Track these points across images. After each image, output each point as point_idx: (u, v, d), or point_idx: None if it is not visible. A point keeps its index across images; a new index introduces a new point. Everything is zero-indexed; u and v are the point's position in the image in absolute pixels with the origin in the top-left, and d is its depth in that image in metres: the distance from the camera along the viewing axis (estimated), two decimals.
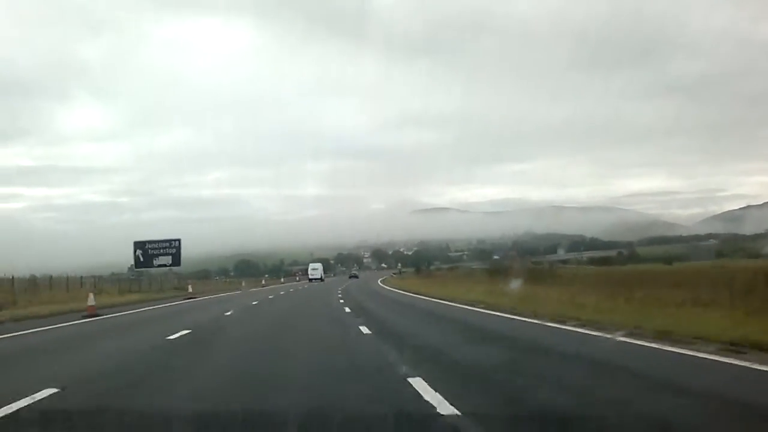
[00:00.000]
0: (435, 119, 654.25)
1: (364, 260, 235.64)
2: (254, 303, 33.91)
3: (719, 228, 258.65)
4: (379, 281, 77.18)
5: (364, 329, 16.05)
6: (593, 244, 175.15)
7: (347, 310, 25.15)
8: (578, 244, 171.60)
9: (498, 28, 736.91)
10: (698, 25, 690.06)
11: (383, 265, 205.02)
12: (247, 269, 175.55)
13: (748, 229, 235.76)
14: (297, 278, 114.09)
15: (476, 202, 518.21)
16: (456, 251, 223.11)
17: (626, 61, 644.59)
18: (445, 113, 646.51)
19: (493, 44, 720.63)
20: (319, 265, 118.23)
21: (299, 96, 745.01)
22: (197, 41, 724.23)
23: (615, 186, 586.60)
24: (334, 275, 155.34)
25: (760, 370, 8.46)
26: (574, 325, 15.08)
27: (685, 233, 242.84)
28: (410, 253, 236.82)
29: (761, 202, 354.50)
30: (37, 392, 7.73)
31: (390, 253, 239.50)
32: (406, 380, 8.08)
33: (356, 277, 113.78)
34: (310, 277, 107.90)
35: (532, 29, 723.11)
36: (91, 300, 26.57)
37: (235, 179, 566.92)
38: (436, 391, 7.16)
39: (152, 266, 60.83)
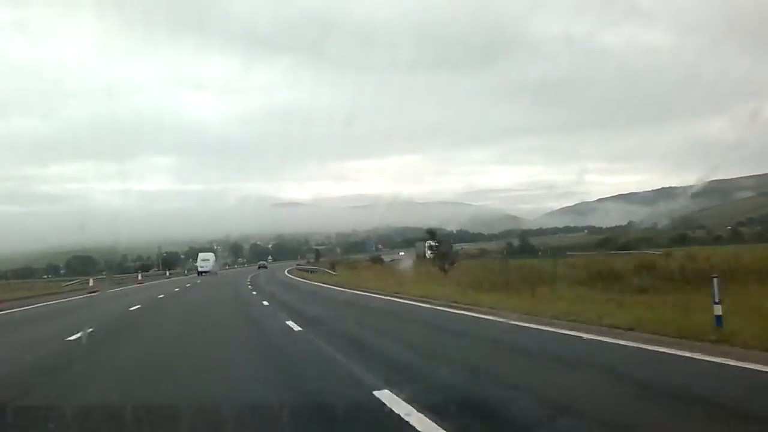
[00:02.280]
0: (292, 115, 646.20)
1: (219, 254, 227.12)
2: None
3: (557, 222, 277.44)
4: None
5: None
6: (461, 236, 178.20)
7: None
8: (447, 236, 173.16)
9: (350, 27, 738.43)
10: (539, 30, 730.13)
11: (240, 259, 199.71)
12: (81, 267, 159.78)
13: (590, 221, 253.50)
14: (185, 273, 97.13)
15: (336, 196, 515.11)
16: (316, 245, 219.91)
17: (474, 63, 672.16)
18: (301, 109, 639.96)
19: (344, 43, 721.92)
20: (210, 255, 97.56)
21: (151, 88, 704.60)
22: (40, 28, 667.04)
23: (465, 182, 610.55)
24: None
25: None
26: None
27: (529, 227, 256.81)
28: (270, 246, 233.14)
29: (594, 199, 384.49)
30: None
31: (247, 247, 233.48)
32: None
33: (265, 267, 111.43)
34: (200, 269, 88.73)
35: (385, 29, 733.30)
36: None
37: (79, 172, 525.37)
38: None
39: None
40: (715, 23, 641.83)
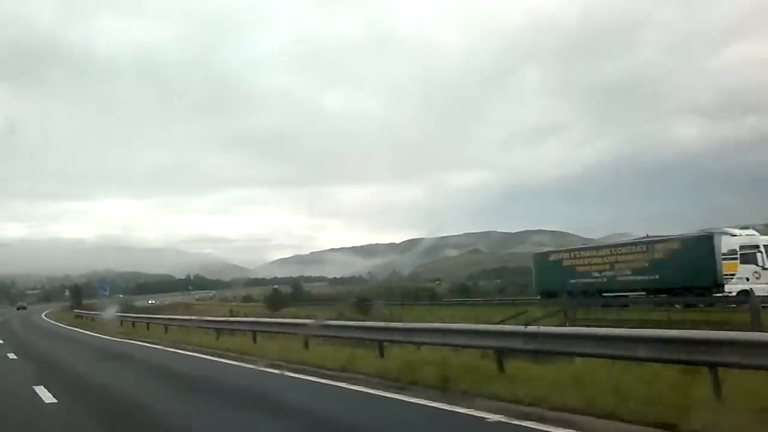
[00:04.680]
0: None
1: None
2: None
3: (274, 272, 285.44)
4: None
5: None
6: (199, 282, 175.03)
7: None
8: (185, 282, 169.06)
9: (73, 62, 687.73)
10: (266, 84, 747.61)
11: None
12: None
13: (315, 271, 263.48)
14: None
15: (48, 239, 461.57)
16: (30, 289, 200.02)
17: (201, 111, 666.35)
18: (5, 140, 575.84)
19: (69, 78, 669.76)
20: None
21: None
22: None
23: (179, 230, 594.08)
24: None
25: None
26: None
27: (255, 275, 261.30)
28: None
29: (308, 252, 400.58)
30: None
31: None
32: None
33: (24, 308, 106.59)
34: None
35: (117, 68, 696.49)
36: None
37: None
38: None
39: None
40: (419, 95, 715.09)
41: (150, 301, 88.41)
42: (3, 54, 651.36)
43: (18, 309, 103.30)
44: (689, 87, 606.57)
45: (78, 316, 53.83)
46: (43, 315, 69.79)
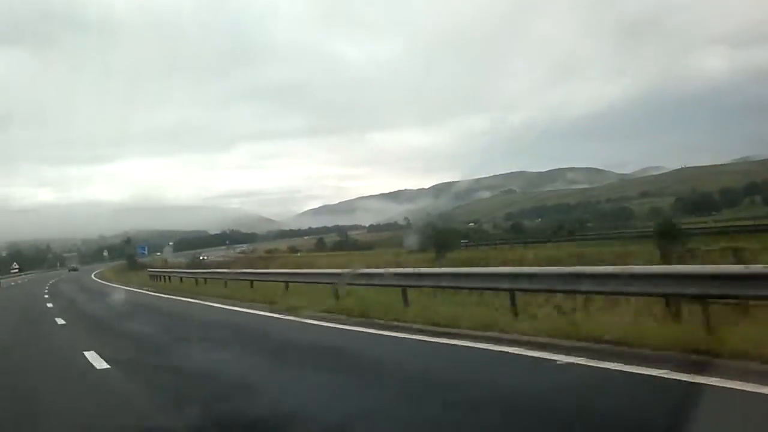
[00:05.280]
0: (23, 115, 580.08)
1: None
2: None
3: (307, 223, 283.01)
4: None
5: None
6: (234, 236, 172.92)
7: None
8: (221, 237, 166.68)
9: (93, 24, 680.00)
10: (287, 36, 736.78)
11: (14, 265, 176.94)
12: None
13: (348, 220, 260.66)
14: None
15: (79, 202, 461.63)
16: (66, 252, 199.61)
17: (221, 68, 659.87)
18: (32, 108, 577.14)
19: (91, 41, 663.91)
20: None
21: None
22: None
23: (208, 186, 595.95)
24: None
25: None
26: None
27: (285, 227, 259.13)
28: (3, 254, 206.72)
29: (336, 202, 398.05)
30: None
31: None
32: None
33: (75, 269, 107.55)
34: None
35: (136, 27, 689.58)
36: None
37: None
38: None
39: None
40: (440, 39, 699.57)
41: (202, 257, 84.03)
42: (26, 20, 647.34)
43: (69, 271, 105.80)
44: (717, 16, 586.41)
45: (154, 276, 41.35)
46: (93, 276, 66.40)
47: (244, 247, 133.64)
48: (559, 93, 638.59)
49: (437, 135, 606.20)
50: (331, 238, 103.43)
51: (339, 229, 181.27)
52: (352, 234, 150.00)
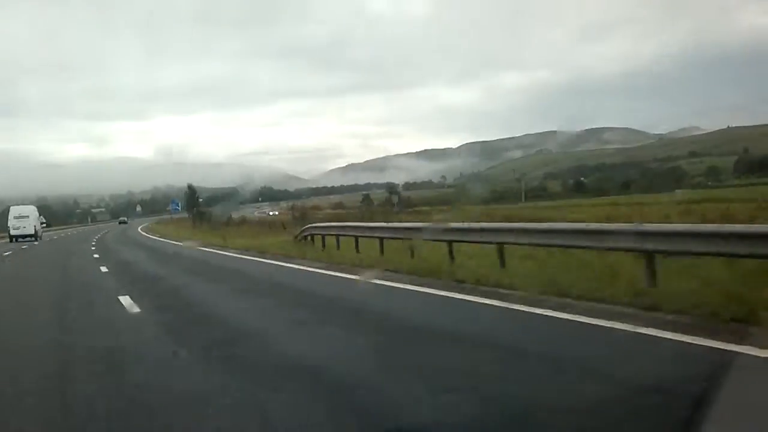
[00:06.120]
0: (50, 68, 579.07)
1: None
2: None
3: (335, 181, 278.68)
4: None
5: None
6: (267, 193, 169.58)
7: None
8: (254, 194, 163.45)
9: None
10: None
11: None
12: None
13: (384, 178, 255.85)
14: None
15: (104, 159, 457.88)
16: (95, 207, 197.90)
17: (250, 23, 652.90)
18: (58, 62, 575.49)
19: None
20: (30, 210, 61.17)
21: None
22: None
23: (235, 143, 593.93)
24: None
25: None
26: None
27: (313, 185, 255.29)
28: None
29: (362, 160, 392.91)
30: None
31: None
32: None
33: (125, 222, 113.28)
34: (14, 231, 57.17)
35: None
36: None
37: None
38: None
39: None
40: None
41: (271, 212, 78.26)
42: None
43: (119, 223, 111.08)
44: None
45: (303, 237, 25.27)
46: (139, 229, 61.21)
47: (283, 204, 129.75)
48: (593, 50, 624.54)
49: (465, 93, 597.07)
50: (378, 195, 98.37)
51: (370, 187, 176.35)
52: (377, 192, 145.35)
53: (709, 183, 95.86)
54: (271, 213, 74.63)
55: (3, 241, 55.96)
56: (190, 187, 79.00)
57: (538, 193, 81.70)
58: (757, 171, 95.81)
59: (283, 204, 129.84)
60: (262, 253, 22.97)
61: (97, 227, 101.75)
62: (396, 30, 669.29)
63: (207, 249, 29.22)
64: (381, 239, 17.81)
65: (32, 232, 57.82)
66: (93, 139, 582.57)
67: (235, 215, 69.59)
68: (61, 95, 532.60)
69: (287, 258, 19.86)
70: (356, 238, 19.77)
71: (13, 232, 57.60)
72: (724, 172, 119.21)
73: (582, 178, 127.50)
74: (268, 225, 49.52)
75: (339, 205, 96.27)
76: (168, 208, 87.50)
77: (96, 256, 28.07)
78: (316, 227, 24.70)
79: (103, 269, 20.44)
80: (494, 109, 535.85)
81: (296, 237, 26.08)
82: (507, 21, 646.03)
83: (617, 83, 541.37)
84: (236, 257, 23.28)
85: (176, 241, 39.94)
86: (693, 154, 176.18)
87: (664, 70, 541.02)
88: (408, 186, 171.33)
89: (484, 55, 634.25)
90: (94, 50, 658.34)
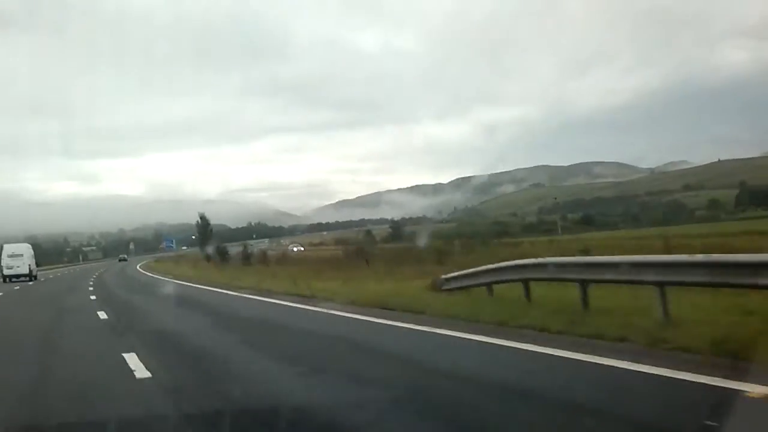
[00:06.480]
0: (39, 106, 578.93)
1: None
2: None
3: (328, 217, 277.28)
4: None
5: None
6: (260, 230, 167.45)
7: None
8: (247, 231, 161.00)
9: (110, 14, 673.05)
10: (303, 30, 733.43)
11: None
12: None
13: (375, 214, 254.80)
14: None
15: (92, 196, 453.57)
16: (85, 246, 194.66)
17: (239, 60, 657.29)
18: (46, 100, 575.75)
19: (108, 33, 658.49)
20: (24, 248, 57.31)
21: None
22: None
23: (226, 180, 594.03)
24: None
25: None
26: None
27: (305, 222, 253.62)
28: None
29: (353, 197, 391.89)
30: None
31: None
32: None
33: (125, 259, 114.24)
34: (6, 271, 54.45)
35: (153, 20, 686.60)
36: None
37: None
38: None
39: None
40: (458, 33, 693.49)
41: (295, 248, 75.62)
42: (46, 8, 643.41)
43: (119, 261, 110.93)
44: (738, 7, 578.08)
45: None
46: (138, 267, 58.70)
47: (282, 240, 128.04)
48: (578, 86, 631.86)
49: (454, 128, 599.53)
50: (381, 231, 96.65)
51: (364, 223, 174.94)
52: (380, 228, 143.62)
53: (723, 216, 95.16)
54: (295, 249, 72.26)
55: None
56: (203, 218, 75.70)
57: (549, 227, 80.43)
58: (764, 203, 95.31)
59: (296, 240, 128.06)
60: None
61: (90, 266, 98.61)
62: (385, 66, 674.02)
63: (316, 308, 16.53)
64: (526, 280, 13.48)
65: (26, 271, 55.07)
66: (82, 177, 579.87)
67: (257, 250, 65.66)
68: (50, 132, 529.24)
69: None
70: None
71: (6, 272, 54.80)
72: (726, 205, 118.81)
73: (590, 212, 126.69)
74: (320, 263, 40.83)
75: (342, 241, 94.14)
76: (161, 246, 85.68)
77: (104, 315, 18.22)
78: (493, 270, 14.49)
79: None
80: (483, 144, 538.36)
81: (434, 284, 17.31)
82: (494, 57, 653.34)
83: (604, 118, 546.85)
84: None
85: (223, 288, 27.74)
86: (687, 188, 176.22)
87: (650, 104, 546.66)
88: (405, 222, 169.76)
89: (472, 90, 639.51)
90: (83, 88, 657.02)
